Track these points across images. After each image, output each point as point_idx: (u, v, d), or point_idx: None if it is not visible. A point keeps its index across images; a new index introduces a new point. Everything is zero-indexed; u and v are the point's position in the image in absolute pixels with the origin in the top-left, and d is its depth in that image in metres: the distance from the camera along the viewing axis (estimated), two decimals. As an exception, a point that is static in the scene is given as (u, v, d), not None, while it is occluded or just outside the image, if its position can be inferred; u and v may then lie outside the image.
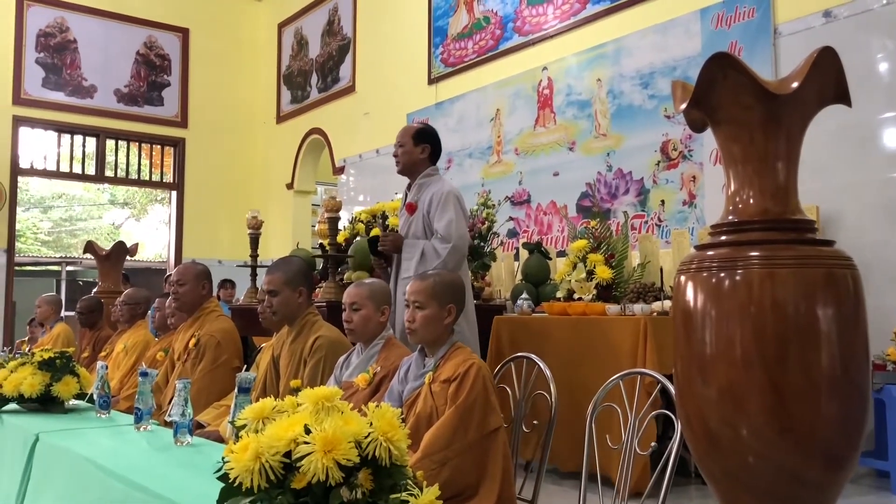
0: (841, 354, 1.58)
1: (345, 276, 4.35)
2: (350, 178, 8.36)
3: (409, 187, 3.74)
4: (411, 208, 3.65)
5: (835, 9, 4.19)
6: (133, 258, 6.91)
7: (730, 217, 1.74)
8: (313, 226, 9.44)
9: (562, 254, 5.27)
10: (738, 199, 1.74)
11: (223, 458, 1.24)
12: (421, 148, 3.67)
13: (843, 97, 1.67)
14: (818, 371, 1.57)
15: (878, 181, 3.94)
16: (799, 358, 1.56)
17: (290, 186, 9.48)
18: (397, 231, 3.69)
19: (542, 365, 2.29)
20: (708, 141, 4.74)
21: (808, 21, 4.31)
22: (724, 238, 1.73)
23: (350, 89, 8.48)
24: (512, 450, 2.21)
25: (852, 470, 1.66)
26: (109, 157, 9.66)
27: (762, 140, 1.68)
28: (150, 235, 19.22)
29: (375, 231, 3.90)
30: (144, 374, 2.35)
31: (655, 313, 3.60)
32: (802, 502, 1.60)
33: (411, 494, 1.18)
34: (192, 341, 3.58)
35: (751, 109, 1.66)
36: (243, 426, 1.29)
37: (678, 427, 1.84)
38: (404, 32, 7.64)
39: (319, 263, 4.68)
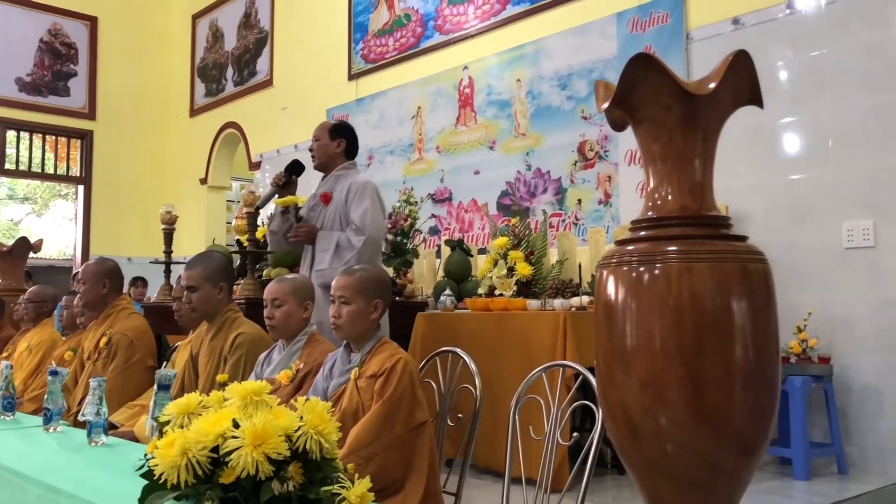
0: (754, 346, 1.64)
1: (264, 273, 4.28)
2: (267, 173, 8.22)
3: (323, 179, 3.73)
4: (326, 198, 3.63)
5: (743, 16, 4.37)
6: (36, 255, 6.59)
7: (649, 213, 1.79)
8: (229, 222, 9.24)
9: (483, 251, 5.32)
10: (657, 196, 1.79)
11: (146, 456, 1.20)
12: (337, 142, 3.68)
13: (756, 99, 1.74)
14: (733, 362, 1.63)
15: (782, 182, 4.13)
16: (716, 349, 1.62)
17: (203, 181, 9.24)
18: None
19: (467, 359, 2.30)
20: (623, 142, 4.87)
21: (718, 27, 4.48)
22: (643, 233, 1.78)
23: (267, 83, 8.33)
24: (437, 443, 2.22)
25: (763, 456, 1.74)
26: (10, 150, 9.19)
27: (680, 138, 1.73)
28: (53, 232, 18.40)
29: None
30: (54, 374, 2.26)
31: (574, 308, 3.68)
32: (718, 488, 1.66)
33: (342, 487, 1.18)
34: (104, 340, 3.46)
35: (670, 109, 1.71)
36: (167, 422, 1.25)
37: (599, 418, 1.88)
38: (324, 27, 7.56)
39: (237, 260, 4.59)
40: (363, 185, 3.57)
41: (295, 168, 3.81)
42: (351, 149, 3.73)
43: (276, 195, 3.76)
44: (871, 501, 3.31)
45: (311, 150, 3.72)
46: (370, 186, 3.58)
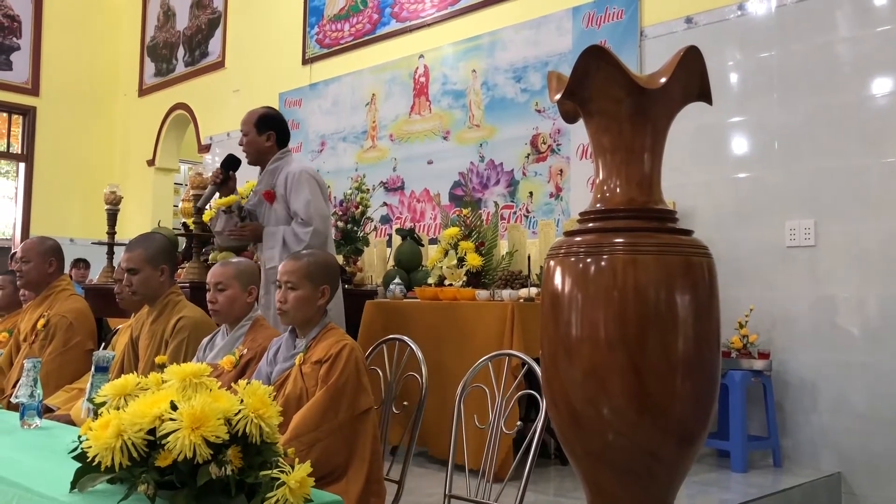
0: (695, 338, 1.67)
1: (210, 257, 4.20)
2: (216, 157, 8.08)
3: (260, 174, 3.66)
4: (270, 196, 3.57)
5: (696, 16, 4.43)
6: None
7: (597, 205, 1.81)
8: (176, 205, 9.05)
9: (434, 241, 5.31)
10: (605, 188, 1.80)
11: (80, 437, 1.17)
12: (266, 136, 3.58)
13: (705, 95, 1.77)
14: (675, 353, 1.65)
15: (728, 181, 4.21)
16: (658, 340, 1.64)
17: (151, 163, 9.04)
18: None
19: (413, 346, 2.30)
20: (575, 136, 4.91)
21: (671, 25, 4.54)
22: (591, 225, 1.79)
23: (219, 65, 8.17)
24: (382, 431, 2.21)
25: (701, 447, 1.77)
26: (-54, 124, 8.87)
27: (630, 132, 1.75)
28: (-8, 211, 17.83)
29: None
30: (-13, 354, 2.18)
31: (522, 299, 3.70)
32: (657, 477, 1.69)
33: (282, 471, 1.16)
34: (41, 322, 3.37)
35: (621, 102, 1.73)
36: (103, 403, 1.22)
37: (543, 407, 1.90)
38: (278, 10, 7.45)
39: (183, 243, 4.50)
40: (298, 174, 3.48)
41: (231, 163, 3.72)
42: (281, 138, 3.64)
43: (217, 193, 3.69)
44: (802, 494, 3.41)
45: (241, 144, 3.63)
46: (305, 175, 3.48)
